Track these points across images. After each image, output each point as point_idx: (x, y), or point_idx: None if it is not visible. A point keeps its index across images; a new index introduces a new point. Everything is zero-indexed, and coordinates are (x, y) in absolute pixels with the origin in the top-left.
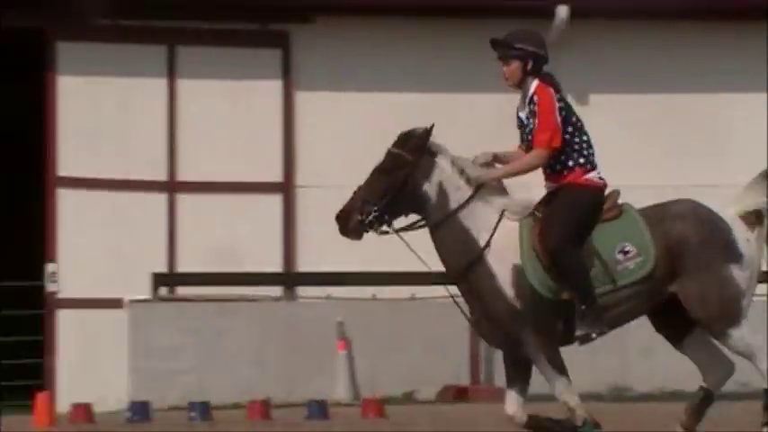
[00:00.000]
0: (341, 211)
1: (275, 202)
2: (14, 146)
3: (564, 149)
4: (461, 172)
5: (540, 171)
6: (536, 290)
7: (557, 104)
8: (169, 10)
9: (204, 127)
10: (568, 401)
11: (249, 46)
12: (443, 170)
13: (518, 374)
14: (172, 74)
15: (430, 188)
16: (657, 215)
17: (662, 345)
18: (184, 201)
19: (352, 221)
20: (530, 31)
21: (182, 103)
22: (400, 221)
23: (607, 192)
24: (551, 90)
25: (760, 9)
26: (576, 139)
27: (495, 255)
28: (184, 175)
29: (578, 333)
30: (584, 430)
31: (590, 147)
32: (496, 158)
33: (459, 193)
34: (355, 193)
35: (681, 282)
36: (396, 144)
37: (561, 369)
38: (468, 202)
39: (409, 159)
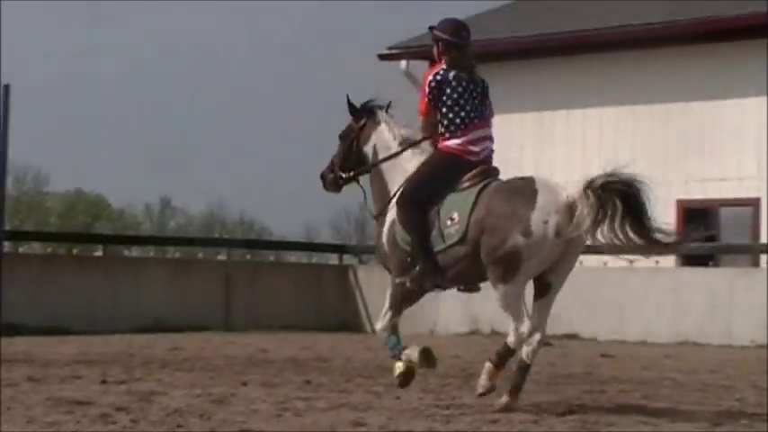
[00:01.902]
0: (320, 173)
1: None
2: None
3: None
4: (395, 137)
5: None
6: (396, 239)
7: (429, 79)
8: None
9: None
10: (376, 327)
11: None
12: (379, 135)
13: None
14: None
15: (369, 149)
16: (498, 187)
17: None
18: None
19: (327, 179)
20: (447, 19)
21: None
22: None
23: (479, 166)
24: (435, 69)
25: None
26: (444, 111)
27: (393, 206)
28: None
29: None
30: (390, 342)
31: (450, 114)
32: None
33: (387, 152)
34: (332, 156)
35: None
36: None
37: (393, 306)
38: (390, 157)
39: (354, 127)
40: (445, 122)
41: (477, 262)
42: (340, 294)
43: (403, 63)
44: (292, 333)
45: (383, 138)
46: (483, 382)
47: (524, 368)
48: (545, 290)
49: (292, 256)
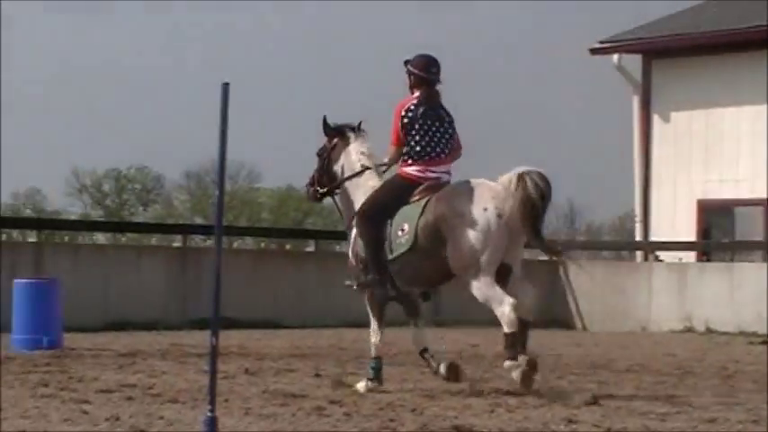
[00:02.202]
0: (305, 185)
1: None
2: None
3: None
4: (359, 159)
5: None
6: (359, 250)
7: (401, 112)
8: None
9: None
10: (371, 340)
11: None
12: (348, 155)
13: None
14: None
15: (338, 168)
16: (440, 195)
17: None
18: None
19: (309, 191)
20: (421, 55)
21: None
22: None
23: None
24: (403, 102)
25: None
26: (410, 143)
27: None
28: None
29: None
30: (372, 368)
31: (416, 146)
32: None
33: (352, 173)
34: (313, 171)
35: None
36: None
37: (377, 317)
38: (352, 176)
39: (327, 147)
40: (410, 151)
41: (427, 266)
42: (550, 290)
43: (615, 57)
44: (499, 328)
45: (350, 159)
46: (520, 379)
47: (526, 324)
48: (507, 272)
49: None
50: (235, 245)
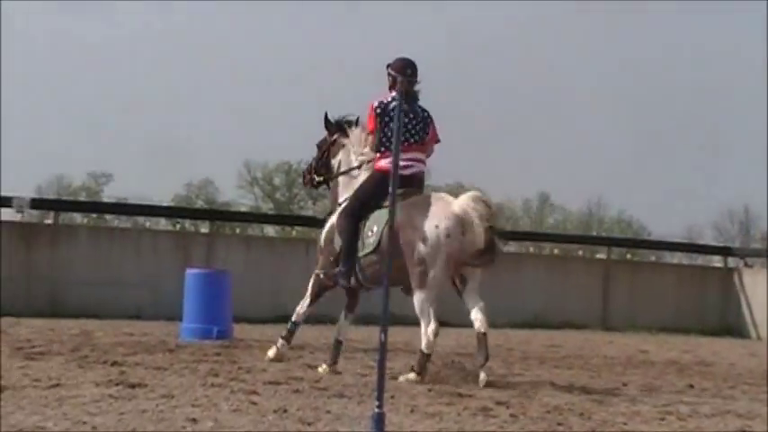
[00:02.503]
0: (302, 172)
1: None
2: None
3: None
4: (357, 156)
5: None
6: (334, 240)
7: (374, 106)
8: None
9: None
10: (297, 309)
11: None
12: (346, 152)
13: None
14: None
15: (335, 162)
16: (403, 204)
17: None
18: None
19: (306, 178)
20: (399, 58)
21: None
22: None
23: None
24: (381, 98)
25: None
26: (382, 136)
27: (336, 211)
28: None
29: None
30: (290, 327)
31: (385, 135)
32: None
33: (348, 168)
34: (312, 159)
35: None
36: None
37: (312, 296)
38: (347, 171)
39: (327, 140)
40: (381, 140)
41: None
42: (723, 297)
43: None
44: (672, 335)
45: (348, 156)
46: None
47: (483, 337)
48: (464, 282)
49: (673, 257)
50: None
